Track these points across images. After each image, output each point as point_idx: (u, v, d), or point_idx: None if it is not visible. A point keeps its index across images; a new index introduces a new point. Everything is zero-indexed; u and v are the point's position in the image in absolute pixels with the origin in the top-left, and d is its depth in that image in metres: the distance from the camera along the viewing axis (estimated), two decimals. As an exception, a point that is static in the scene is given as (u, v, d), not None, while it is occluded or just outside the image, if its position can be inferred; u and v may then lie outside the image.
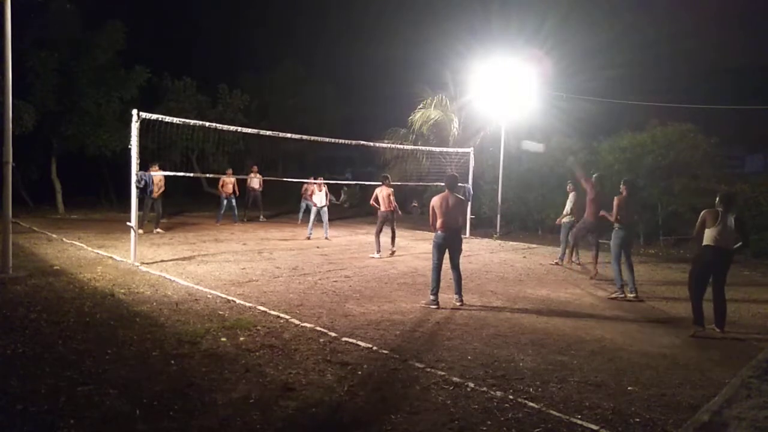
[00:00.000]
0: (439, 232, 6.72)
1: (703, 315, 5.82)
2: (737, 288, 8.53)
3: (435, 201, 6.76)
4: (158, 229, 13.30)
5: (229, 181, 15.73)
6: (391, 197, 10.90)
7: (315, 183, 13.82)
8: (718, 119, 17.46)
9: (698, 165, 14.04)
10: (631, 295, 7.44)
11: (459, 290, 6.84)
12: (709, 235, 5.87)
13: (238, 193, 16.30)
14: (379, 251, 10.59)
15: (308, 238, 13.02)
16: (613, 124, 16.87)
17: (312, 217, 13.44)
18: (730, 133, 18.90)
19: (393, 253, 10.91)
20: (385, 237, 11.06)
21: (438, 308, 6.57)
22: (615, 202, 7.61)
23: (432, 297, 6.69)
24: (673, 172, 13.97)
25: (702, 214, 6.01)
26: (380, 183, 11.08)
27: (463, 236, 12.71)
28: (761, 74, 21.95)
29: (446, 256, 6.83)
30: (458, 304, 6.73)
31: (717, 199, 6.07)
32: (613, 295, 7.53)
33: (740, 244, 5.97)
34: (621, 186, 7.83)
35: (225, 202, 15.82)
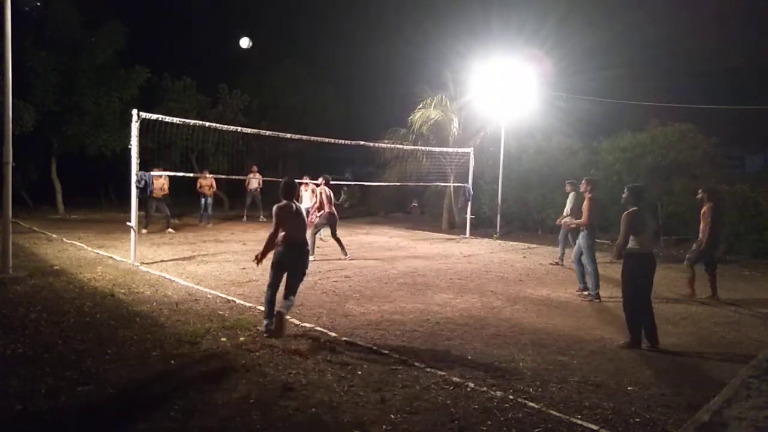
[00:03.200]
0: (280, 247, 5.39)
1: (641, 332, 5.21)
2: (737, 288, 8.54)
3: (276, 210, 5.44)
4: (170, 230, 13.32)
5: (205, 183, 15.65)
6: (332, 198, 10.24)
7: (307, 183, 13.53)
8: (718, 119, 17.47)
9: (698, 165, 14.04)
10: (589, 294, 7.49)
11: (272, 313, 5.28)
12: (637, 241, 5.26)
13: (212, 193, 16.21)
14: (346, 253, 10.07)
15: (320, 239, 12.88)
16: (613, 124, 16.87)
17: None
18: (730, 133, 18.91)
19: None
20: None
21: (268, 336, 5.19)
22: (586, 205, 7.56)
23: (265, 322, 5.32)
24: (673, 172, 13.97)
25: (627, 217, 5.27)
26: (320, 182, 10.27)
27: (464, 236, 12.61)
28: (761, 74, 21.95)
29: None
30: (265, 334, 5.22)
31: (627, 194, 5.42)
32: (586, 294, 7.50)
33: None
34: (583, 186, 7.76)
35: (203, 201, 15.76)
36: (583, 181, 7.98)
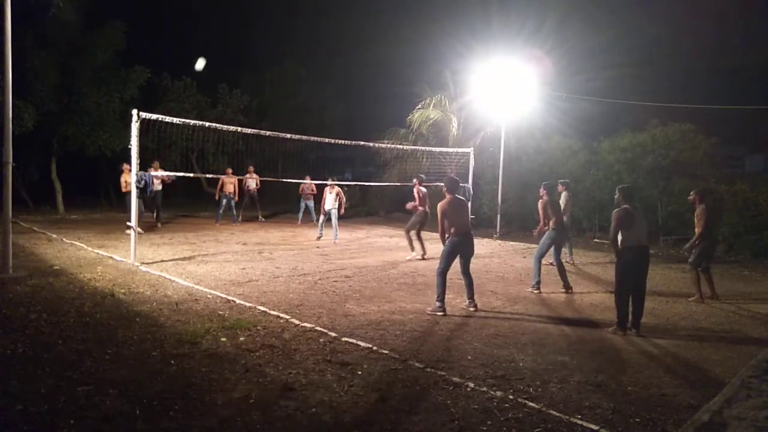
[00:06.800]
0: (454, 237, 6.44)
1: (628, 318, 5.73)
2: (737, 288, 8.54)
3: (443, 206, 6.52)
4: (139, 229, 13.15)
5: (229, 182, 15.68)
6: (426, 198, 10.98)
7: (327, 184, 13.40)
8: (718, 119, 17.49)
9: (698, 165, 14.05)
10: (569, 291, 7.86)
11: (471, 295, 6.63)
12: (628, 236, 5.69)
13: (237, 196, 16.19)
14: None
15: (318, 238, 12.88)
16: (613, 124, 16.89)
17: (323, 218, 13.05)
18: (730, 133, 18.95)
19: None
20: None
21: (444, 315, 6.25)
22: (539, 206, 8.10)
23: (438, 304, 6.34)
24: (673, 172, 13.97)
25: (616, 214, 5.76)
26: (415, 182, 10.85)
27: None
28: (761, 74, 21.97)
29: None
30: (472, 309, 6.53)
31: (617, 194, 5.89)
32: (529, 290, 7.87)
33: None
34: (540, 190, 8.24)
35: (224, 202, 15.78)
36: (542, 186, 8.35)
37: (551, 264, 10.31)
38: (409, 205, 10.81)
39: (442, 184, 6.96)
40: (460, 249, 6.49)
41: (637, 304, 5.77)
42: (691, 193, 7.74)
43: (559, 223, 7.99)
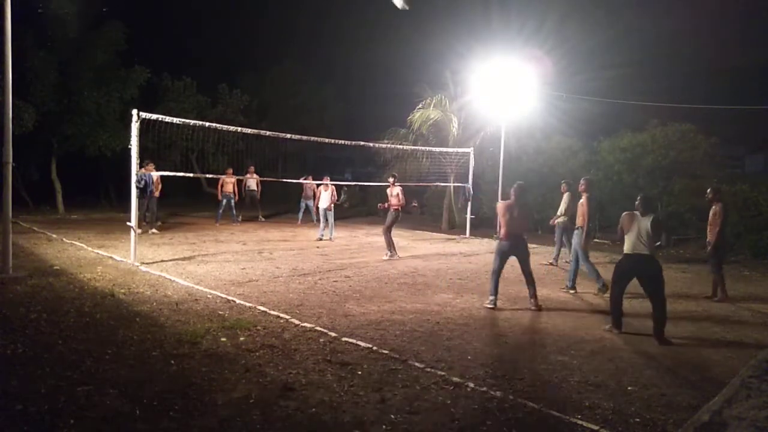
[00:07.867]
0: (503, 240, 6.71)
1: (621, 318, 5.81)
2: (737, 288, 8.53)
3: (500, 206, 6.82)
4: (153, 230, 13.21)
5: (229, 181, 15.67)
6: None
7: (321, 183, 13.40)
8: (718, 119, 17.48)
9: (698, 165, 14.04)
10: (572, 291, 7.86)
11: (533, 294, 6.77)
12: (626, 241, 5.73)
13: (237, 196, 16.17)
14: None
15: (320, 239, 12.94)
16: (613, 124, 16.87)
17: (322, 219, 13.13)
18: (730, 133, 18.93)
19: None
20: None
21: (494, 308, 6.59)
22: (585, 204, 7.90)
23: (491, 297, 6.68)
24: (673, 172, 13.97)
25: (621, 217, 5.86)
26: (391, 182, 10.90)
27: (464, 236, 12.80)
28: (761, 74, 21.97)
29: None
30: (533, 308, 6.66)
31: (638, 201, 5.91)
32: (598, 293, 7.71)
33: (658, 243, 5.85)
34: (584, 185, 8.12)
35: (224, 201, 15.77)
36: (582, 181, 8.15)
37: (551, 264, 10.34)
38: (381, 206, 10.92)
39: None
40: (509, 252, 6.74)
41: (655, 313, 5.58)
42: (709, 191, 7.71)
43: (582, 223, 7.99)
